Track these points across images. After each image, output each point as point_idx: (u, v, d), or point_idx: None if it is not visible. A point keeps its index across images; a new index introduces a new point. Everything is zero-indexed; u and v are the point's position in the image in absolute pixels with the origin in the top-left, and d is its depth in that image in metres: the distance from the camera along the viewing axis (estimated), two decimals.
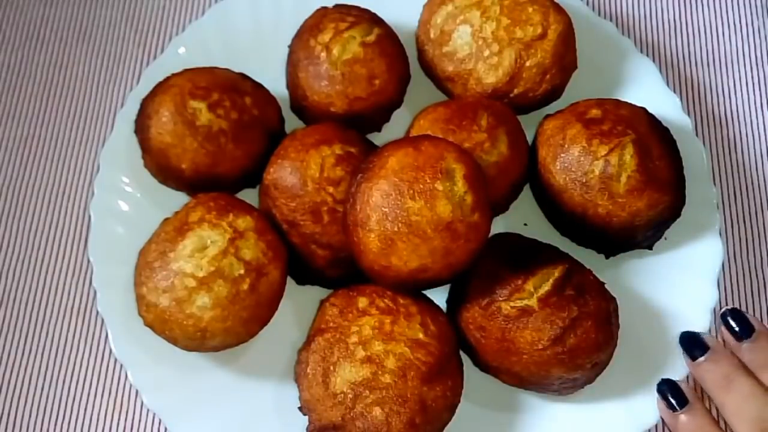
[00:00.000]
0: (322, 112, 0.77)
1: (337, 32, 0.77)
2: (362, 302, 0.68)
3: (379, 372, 0.64)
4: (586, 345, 0.66)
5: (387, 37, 0.79)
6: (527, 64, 0.77)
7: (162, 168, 0.75)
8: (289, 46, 0.81)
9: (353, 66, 0.76)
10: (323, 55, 0.76)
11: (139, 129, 0.77)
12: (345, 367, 0.65)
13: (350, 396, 0.64)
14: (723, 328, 0.67)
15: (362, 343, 0.66)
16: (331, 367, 0.65)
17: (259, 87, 0.79)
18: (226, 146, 0.74)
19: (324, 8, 0.81)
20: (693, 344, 0.68)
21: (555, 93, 0.79)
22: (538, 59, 0.77)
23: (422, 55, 0.82)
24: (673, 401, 0.67)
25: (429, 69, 0.82)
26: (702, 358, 0.67)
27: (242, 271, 0.68)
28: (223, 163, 0.74)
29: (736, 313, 0.67)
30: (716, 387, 0.65)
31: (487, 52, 0.77)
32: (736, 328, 0.66)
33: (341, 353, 0.66)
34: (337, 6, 0.81)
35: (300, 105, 0.80)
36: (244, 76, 0.79)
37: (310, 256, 0.72)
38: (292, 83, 0.80)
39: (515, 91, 0.77)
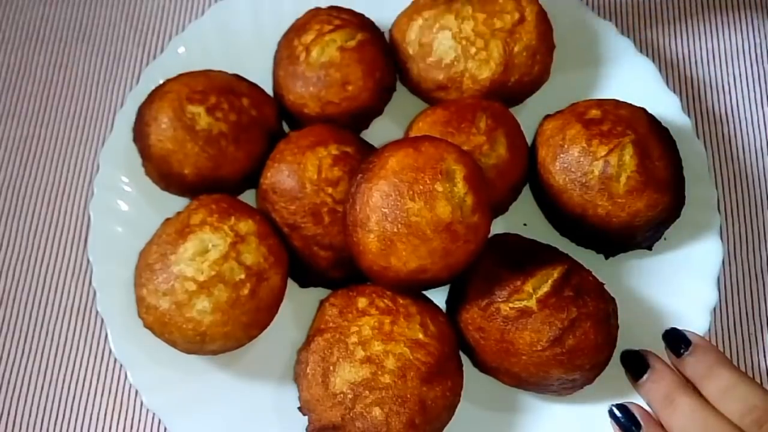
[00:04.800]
0: (296, 112, 0.77)
1: (320, 34, 0.76)
2: (362, 302, 0.68)
3: (379, 372, 0.64)
4: (585, 346, 0.66)
5: (369, 44, 0.77)
6: (516, 49, 0.77)
7: (164, 175, 0.75)
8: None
9: (328, 69, 0.75)
10: (302, 55, 0.76)
11: (138, 137, 0.76)
12: (344, 368, 0.65)
13: (350, 396, 0.64)
14: (665, 348, 0.69)
15: (362, 343, 0.66)
16: (331, 368, 0.65)
17: (255, 87, 0.79)
18: (227, 149, 0.73)
19: (317, 9, 0.80)
20: (634, 363, 0.69)
21: (545, 74, 0.80)
22: (525, 42, 0.77)
23: (407, 74, 0.80)
24: (627, 426, 0.66)
25: (417, 84, 0.80)
26: (644, 377, 0.68)
27: (243, 276, 0.67)
28: (225, 165, 0.74)
29: (674, 331, 0.69)
30: (660, 407, 0.65)
31: (473, 50, 0.77)
32: (675, 344, 0.68)
33: (341, 353, 0.66)
34: (330, 8, 0.81)
35: (280, 104, 0.79)
36: (239, 77, 0.79)
37: (312, 258, 0.72)
38: (275, 81, 0.80)
39: (512, 78, 0.77)
